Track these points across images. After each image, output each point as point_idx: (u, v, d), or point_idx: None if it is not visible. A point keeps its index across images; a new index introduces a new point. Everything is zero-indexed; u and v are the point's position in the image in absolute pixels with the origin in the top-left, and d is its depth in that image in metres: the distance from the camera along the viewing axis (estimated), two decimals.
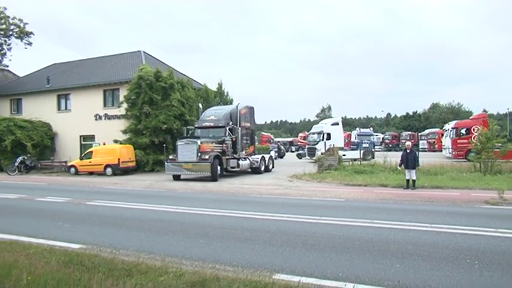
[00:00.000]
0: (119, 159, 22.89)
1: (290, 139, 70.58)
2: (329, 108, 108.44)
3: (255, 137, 27.75)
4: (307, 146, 33.93)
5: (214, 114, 21.62)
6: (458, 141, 28.10)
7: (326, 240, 6.82)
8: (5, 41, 32.33)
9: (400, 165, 15.14)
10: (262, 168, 22.79)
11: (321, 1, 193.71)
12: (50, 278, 4.43)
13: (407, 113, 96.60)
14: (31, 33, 32.90)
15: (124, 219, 9.32)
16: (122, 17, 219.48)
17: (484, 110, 55.94)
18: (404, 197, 12.26)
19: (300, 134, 57.64)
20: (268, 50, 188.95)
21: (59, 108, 30.88)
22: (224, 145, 19.99)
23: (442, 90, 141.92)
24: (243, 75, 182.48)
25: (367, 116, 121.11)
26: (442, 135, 44.41)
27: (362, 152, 29.53)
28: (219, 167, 18.97)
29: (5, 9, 31.63)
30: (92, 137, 28.56)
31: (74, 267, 4.98)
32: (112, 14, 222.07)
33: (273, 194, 13.65)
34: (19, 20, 32.12)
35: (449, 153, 29.36)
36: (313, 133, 33.24)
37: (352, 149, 32.72)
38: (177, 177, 19.62)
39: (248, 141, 23.08)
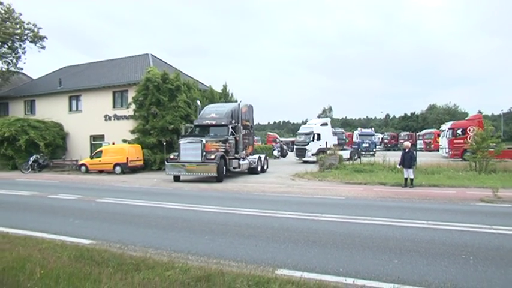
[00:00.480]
0: (127, 158, 22.95)
1: (292, 139, 70.51)
2: (330, 109, 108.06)
3: (254, 136, 27.21)
4: (295, 147, 32.02)
5: (215, 112, 19.85)
6: (455, 141, 27.95)
7: (327, 236, 6.81)
8: (20, 45, 32.50)
9: (399, 165, 15.08)
10: (259, 168, 21.58)
11: (322, 6, 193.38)
12: (62, 272, 4.45)
13: (405, 114, 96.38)
14: (44, 37, 33.07)
15: (132, 216, 9.35)
16: (130, 21, 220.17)
17: (479, 111, 55.61)
18: (402, 195, 12.21)
19: None
20: (272, 52, 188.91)
21: (70, 109, 30.98)
22: (227, 145, 18.51)
23: (439, 92, 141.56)
24: (247, 77, 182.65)
25: (366, 116, 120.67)
26: (438, 135, 44.22)
27: (349, 152, 29.43)
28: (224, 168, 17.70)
29: (20, 14, 31.82)
30: (101, 137, 28.65)
31: (84, 261, 5.00)
32: (121, 18, 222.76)
33: (275, 192, 13.63)
34: (33, 25, 32.30)
35: (446, 152, 29.23)
36: (302, 134, 31.43)
37: (341, 150, 31.94)
38: (177, 178, 18.01)
39: (248, 141, 21.79)
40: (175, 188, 15.67)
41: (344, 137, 45.90)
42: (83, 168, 24.37)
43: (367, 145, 38.45)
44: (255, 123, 26.49)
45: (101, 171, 23.79)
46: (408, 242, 6.30)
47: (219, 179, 17.31)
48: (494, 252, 5.68)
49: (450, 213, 8.97)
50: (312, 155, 28.39)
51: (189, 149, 17.41)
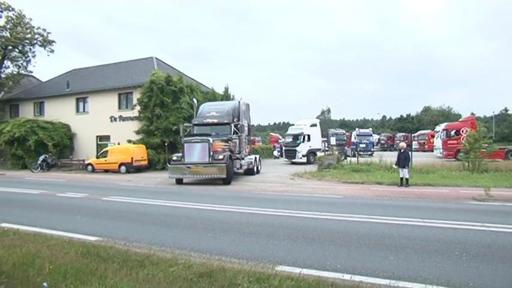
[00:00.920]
0: (132, 158, 22.96)
1: None
2: (328, 110, 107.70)
3: (251, 136, 26.65)
4: (284, 148, 30.23)
5: (215, 110, 18.24)
6: (449, 142, 27.95)
7: (325, 234, 6.80)
8: (30, 49, 32.68)
9: (396, 165, 15.05)
10: (255, 169, 20.13)
11: (321, 10, 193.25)
12: (70, 267, 4.47)
13: (401, 116, 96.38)
14: (53, 41, 33.20)
15: (137, 213, 9.35)
16: (136, 26, 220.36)
17: (472, 113, 55.43)
18: (398, 194, 12.19)
19: None
20: (272, 55, 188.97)
21: (77, 111, 31.02)
22: (231, 144, 17.16)
23: (434, 94, 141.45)
24: (248, 79, 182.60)
25: (364, 118, 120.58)
26: (432, 136, 44.15)
27: (337, 153, 28.80)
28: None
29: (31, 20, 31.99)
30: (107, 137, 28.69)
31: (91, 257, 5.00)
32: (126, 23, 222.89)
33: (276, 191, 13.61)
34: (43, 29, 32.47)
35: (440, 153, 29.20)
36: (290, 135, 29.92)
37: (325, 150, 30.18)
38: (180, 181, 16.42)
39: (247, 140, 20.51)
40: (179, 187, 15.67)
41: (345, 138, 45.60)
42: (90, 167, 24.40)
43: (364, 145, 37.86)
44: (255, 124, 26.33)
45: (106, 171, 23.80)
46: (404, 240, 6.29)
47: (227, 181, 15.75)
48: (486, 249, 5.68)
49: (444, 212, 8.96)
50: (303, 156, 27.61)
51: (195, 149, 15.77)
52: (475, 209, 9.40)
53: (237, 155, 18.12)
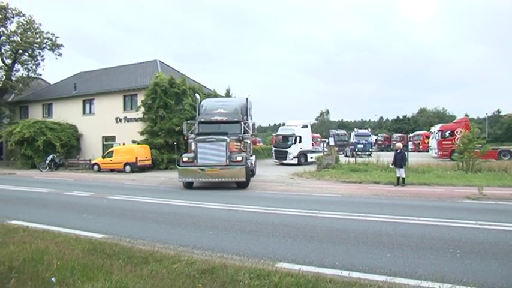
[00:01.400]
0: (136, 158, 22.96)
1: None
2: (327, 112, 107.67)
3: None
4: (274, 149, 29.12)
5: (222, 106, 16.25)
6: (443, 142, 27.90)
7: (324, 232, 6.80)
8: (39, 52, 32.81)
9: (392, 164, 15.03)
10: (254, 170, 18.06)
11: (319, 15, 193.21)
12: (77, 263, 4.47)
13: (397, 117, 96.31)
14: (61, 45, 33.29)
15: (141, 212, 9.35)
16: (140, 29, 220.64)
17: (466, 115, 55.24)
18: (395, 193, 12.18)
19: None
20: (272, 58, 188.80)
21: (84, 112, 31.07)
22: (242, 144, 15.15)
23: (429, 96, 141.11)
24: (249, 81, 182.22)
25: (361, 119, 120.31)
26: (427, 137, 43.99)
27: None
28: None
29: (40, 25, 32.15)
30: (113, 138, 28.73)
31: (97, 254, 5.01)
32: (131, 27, 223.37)
33: (276, 190, 13.61)
34: (51, 34, 32.62)
35: (435, 153, 29.16)
36: (279, 135, 28.89)
37: (316, 152, 29.06)
38: (189, 186, 14.33)
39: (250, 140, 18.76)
40: (181, 187, 15.66)
41: (346, 138, 45.27)
42: (96, 167, 24.42)
43: (362, 146, 37.10)
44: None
45: (112, 170, 23.80)
46: (400, 237, 6.28)
47: (245, 185, 13.92)
48: (479, 246, 5.68)
49: (439, 210, 8.95)
50: (294, 157, 26.71)
51: (210, 150, 13.74)
52: (469, 207, 9.39)
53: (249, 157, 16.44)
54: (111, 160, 23.85)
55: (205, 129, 15.12)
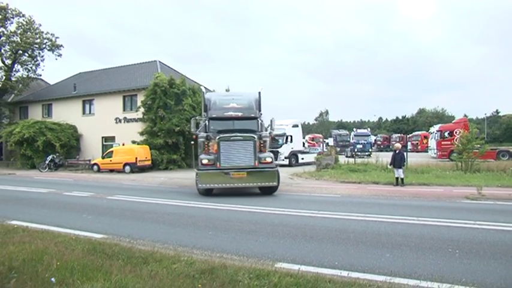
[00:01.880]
0: (136, 158, 22.95)
1: None
2: (326, 112, 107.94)
3: None
4: None
5: (234, 101, 13.92)
6: (442, 142, 27.94)
7: (323, 232, 6.79)
8: (39, 53, 32.83)
9: (390, 165, 15.04)
10: None
11: (318, 15, 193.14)
12: (76, 263, 4.46)
13: (397, 117, 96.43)
14: (61, 46, 33.30)
15: (141, 212, 9.34)
16: (140, 30, 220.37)
17: (465, 115, 55.40)
18: (394, 193, 12.18)
19: (309, 136, 54.11)
20: (272, 58, 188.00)
21: (83, 112, 31.06)
22: (261, 143, 12.95)
23: (428, 96, 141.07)
24: (249, 81, 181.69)
25: (361, 119, 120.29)
26: (425, 137, 43.95)
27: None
28: None
29: (40, 25, 32.16)
30: (112, 138, 28.73)
31: (96, 254, 5.00)
32: (130, 27, 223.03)
33: None
34: (51, 34, 32.63)
35: (435, 153, 29.19)
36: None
37: (307, 153, 28.49)
38: (208, 193, 12.09)
39: None
40: (181, 186, 15.67)
41: (348, 139, 44.79)
42: (95, 167, 24.42)
43: (361, 146, 36.34)
44: None
45: (111, 170, 23.80)
46: (399, 237, 6.28)
47: (273, 190, 12.28)
48: (478, 246, 5.68)
49: (438, 210, 8.96)
50: (285, 158, 25.44)
51: (236, 150, 12.00)
52: (468, 207, 9.40)
53: None
54: (110, 160, 23.84)
55: (217, 126, 13.10)
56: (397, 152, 14.37)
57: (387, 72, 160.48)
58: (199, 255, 5.32)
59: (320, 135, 52.90)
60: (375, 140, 60.27)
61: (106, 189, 14.60)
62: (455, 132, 26.19)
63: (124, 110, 28.58)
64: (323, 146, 38.40)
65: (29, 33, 31.03)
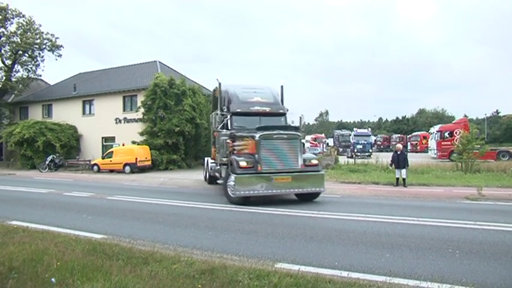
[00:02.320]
0: (136, 158, 22.94)
1: None
2: (327, 112, 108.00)
3: None
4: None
5: (258, 95, 12.48)
6: (443, 143, 27.94)
7: (323, 232, 6.79)
8: (39, 53, 32.84)
9: (391, 165, 15.02)
10: None
11: (319, 16, 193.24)
12: (76, 264, 4.46)
13: (397, 118, 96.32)
14: (61, 46, 33.32)
15: (141, 212, 9.34)
16: (140, 30, 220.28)
17: (465, 115, 55.36)
18: (394, 193, 12.19)
19: (311, 136, 53.70)
20: (272, 59, 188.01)
21: (83, 113, 31.06)
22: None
23: (428, 97, 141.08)
24: (249, 82, 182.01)
25: (361, 120, 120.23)
26: (424, 137, 43.85)
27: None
28: None
29: (40, 25, 32.18)
30: (112, 139, 28.72)
31: (96, 255, 4.99)
32: (130, 27, 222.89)
33: None
34: (51, 35, 32.65)
35: (435, 154, 29.17)
36: None
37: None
38: (243, 201, 10.09)
39: None
40: (181, 187, 15.67)
41: (350, 139, 44.53)
42: (95, 167, 24.41)
43: (361, 146, 35.42)
44: None
45: (111, 171, 23.78)
46: (399, 238, 6.28)
47: (316, 196, 10.75)
48: (478, 247, 5.68)
49: (438, 211, 8.96)
50: None
51: (280, 150, 10.30)
52: (468, 208, 9.40)
53: None
54: (110, 161, 23.83)
55: (241, 122, 11.85)
56: (398, 152, 14.33)
57: (387, 73, 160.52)
58: (199, 255, 5.31)
59: (322, 135, 52.53)
60: (375, 140, 60.15)
61: (106, 189, 14.60)
62: (456, 133, 26.19)
63: (124, 110, 28.57)
64: (323, 146, 38.26)
65: (29, 33, 31.04)
